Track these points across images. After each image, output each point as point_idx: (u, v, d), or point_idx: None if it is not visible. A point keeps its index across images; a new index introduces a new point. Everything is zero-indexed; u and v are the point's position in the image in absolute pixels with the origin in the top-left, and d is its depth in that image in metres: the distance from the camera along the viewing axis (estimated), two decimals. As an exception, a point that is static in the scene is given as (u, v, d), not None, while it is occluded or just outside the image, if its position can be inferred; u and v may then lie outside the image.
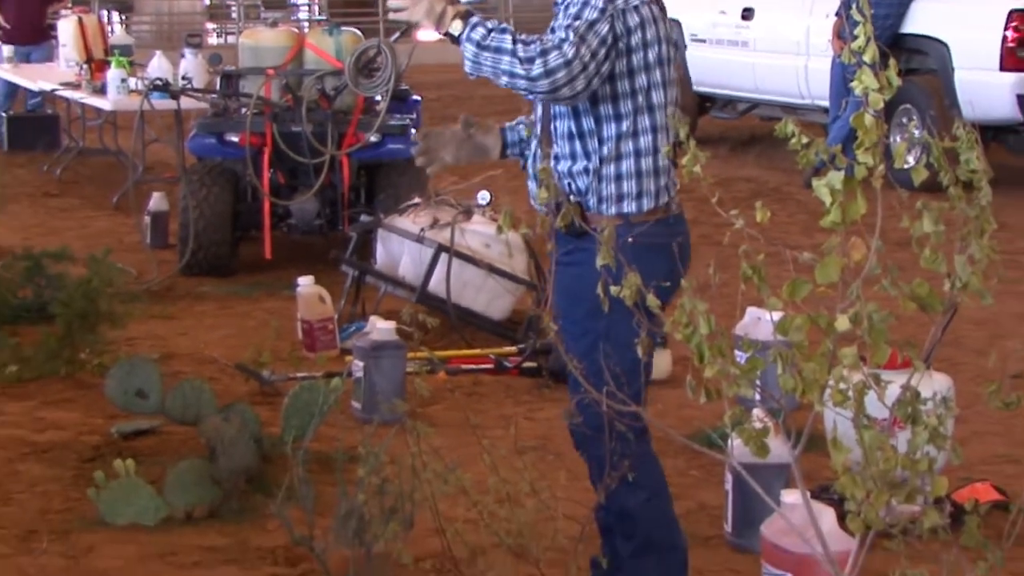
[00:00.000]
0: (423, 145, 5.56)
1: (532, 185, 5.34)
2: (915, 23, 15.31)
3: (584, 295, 4.82)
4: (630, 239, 4.89)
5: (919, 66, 15.17)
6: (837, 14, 15.20)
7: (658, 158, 5.15)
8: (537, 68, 4.93)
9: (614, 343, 4.92)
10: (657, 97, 5.15)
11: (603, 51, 5.00)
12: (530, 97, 5.15)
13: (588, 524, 5.43)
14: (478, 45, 5.02)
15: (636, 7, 5.08)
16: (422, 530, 5.70)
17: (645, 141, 5.16)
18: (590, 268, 4.51)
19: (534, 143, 5.36)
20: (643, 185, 5.16)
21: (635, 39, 5.08)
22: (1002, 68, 14.55)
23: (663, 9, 5.26)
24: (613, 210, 5.15)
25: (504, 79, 5.02)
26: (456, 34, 5.08)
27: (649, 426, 4.65)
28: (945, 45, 15.01)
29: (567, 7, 5.13)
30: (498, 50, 4.98)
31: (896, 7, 15.21)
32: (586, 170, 5.18)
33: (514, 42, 4.96)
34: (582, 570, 5.53)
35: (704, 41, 18.03)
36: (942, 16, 15.18)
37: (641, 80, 5.13)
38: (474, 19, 5.09)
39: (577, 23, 4.99)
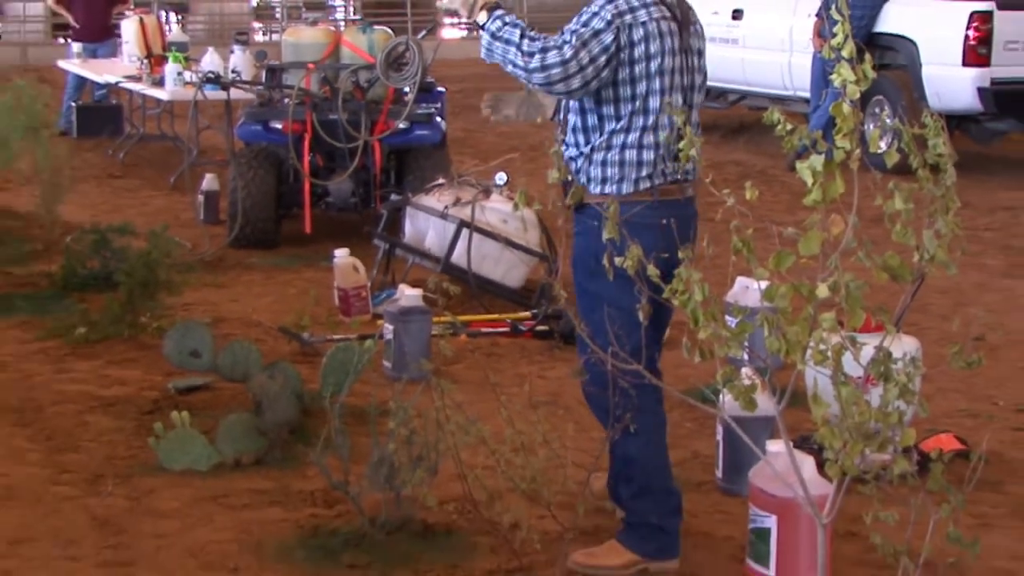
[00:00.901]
0: (492, 102, 5.75)
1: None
2: (887, 23, 15.29)
3: (580, 261, 5.33)
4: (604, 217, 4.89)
5: (891, 62, 15.13)
6: (818, 15, 15.19)
7: (643, 153, 5.25)
8: (535, 63, 5.15)
9: (607, 303, 5.08)
10: (653, 103, 5.24)
11: (604, 58, 5.16)
12: (531, 87, 5.29)
13: (592, 471, 5.43)
14: (493, 35, 5.25)
15: (644, 23, 5.20)
16: (445, 476, 5.70)
17: (634, 138, 5.26)
18: (584, 238, 5.11)
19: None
20: (624, 173, 5.26)
21: (638, 51, 5.20)
22: (964, 64, 14.54)
23: (681, 23, 5.32)
24: (597, 190, 5.28)
25: (509, 67, 5.26)
26: (480, 23, 5.32)
27: (651, 381, 4.63)
28: (914, 43, 14.99)
29: (580, 15, 5.25)
30: (507, 42, 5.21)
31: (870, 8, 15.19)
32: (581, 155, 5.34)
33: (521, 37, 5.19)
34: (589, 512, 5.54)
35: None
36: (911, 17, 15.15)
37: (641, 87, 5.25)
38: (497, 12, 5.29)
39: (583, 30, 5.16)
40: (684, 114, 5.19)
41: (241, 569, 5.40)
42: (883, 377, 3.69)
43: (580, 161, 5.34)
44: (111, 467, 6.45)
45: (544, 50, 5.15)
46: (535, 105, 5.21)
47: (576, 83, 5.15)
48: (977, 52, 14.44)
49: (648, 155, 5.26)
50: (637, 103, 5.25)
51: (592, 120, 5.32)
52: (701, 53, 5.44)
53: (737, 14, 17.36)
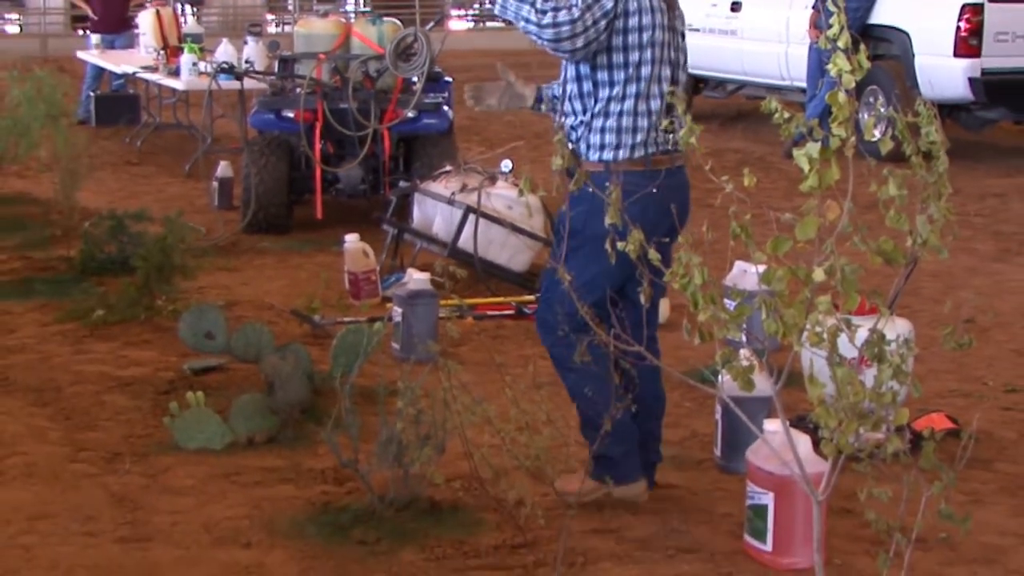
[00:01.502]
0: (474, 92, 6.01)
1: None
2: (881, 15, 15.26)
3: (566, 217, 5.39)
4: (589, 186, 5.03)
5: (885, 52, 15.11)
6: (814, 7, 15.19)
7: (637, 119, 5.50)
8: (547, 19, 5.39)
9: (576, 262, 5.32)
10: (645, 71, 5.50)
11: (604, 22, 5.42)
12: (539, 43, 5.49)
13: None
14: None
15: None
16: (452, 454, 5.70)
17: (628, 105, 5.49)
18: (573, 201, 5.25)
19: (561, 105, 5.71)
20: (621, 139, 5.49)
21: (632, 22, 5.47)
22: (956, 54, 14.52)
23: (670, 5, 5.62)
24: (596, 156, 5.51)
25: (521, 23, 5.50)
26: None
27: (598, 328, 4.78)
28: (907, 34, 14.97)
29: None
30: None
31: (865, 0, 15.16)
32: (581, 123, 5.56)
33: None
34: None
35: (698, 30, 17.94)
36: (905, 9, 15.13)
37: (634, 56, 5.49)
38: None
39: None
40: (674, 89, 5.44)
41: (253, 544, 5.40)
42: (877, 358, 3.68)
43: (581, 129, 5.55)
44: (128, 445, 6.45)
45: (556, 10, 5.39)
46: (516, 95, 5.28)
47: (580, 42, 5.40)
48: (968, 43, 14.42)
49: (643, 122, 5.50)
50: (630, 70, 5.49)
51: (587, 87, 5.54)
52: (684, 36, 5.76)
53: (735, 6, 17.35)
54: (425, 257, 9.43)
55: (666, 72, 5.55)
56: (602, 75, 5.50)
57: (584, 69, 5.53)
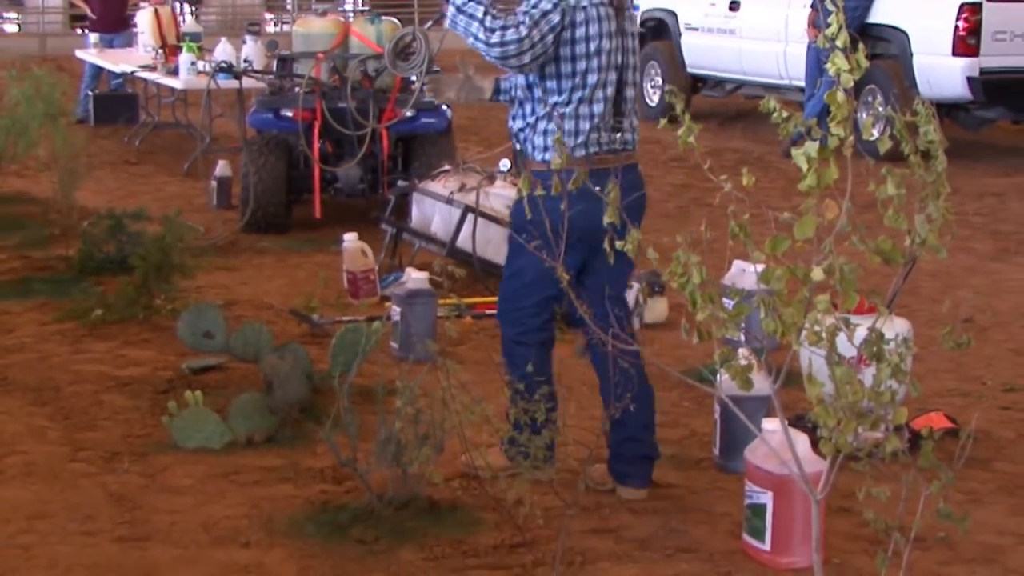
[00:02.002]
0: (432, 85, 6.27)
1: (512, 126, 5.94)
2: (880, 14, 15.26)
3: (515, 213, 5.83)
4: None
5: (883, 51, 15.11)
6: (812, 6, 15.20)
7: (579, 123, 5.68)
8: (495, 38, 5.58)
9: (526, 256, 5.52)
10: (591, 79, 5.66)
11: (551, 36, 5.60)
12: (488, 59, 5.68)
13: (594, 450, 5.43)
14: (458, 8, 5.71)
15: (584, 7, 5.65)
16: (451, 454, 5.70)
17: (571, 109, 5.67)
18: (518, 203, 5.62)
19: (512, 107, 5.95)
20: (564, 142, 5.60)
21: (579, 32, 5.64)
22: (954, 54, 14.53)
23: (617, 8, 5.74)
24: (540, 156, 5.73)
25: (470, 40, 5.70)
26: None
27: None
28: (905, 34, 14.97)
29: None
30: (471, 16, 5.66)
31: (863, 0, 15.17)
32: (527, 125, 5.79)
33: (484, 14, 5.64)
34: (589, 490, 5.54)
35: (697, 29, 17.99)
36: (903, 8, 15.13)
37: (580, 65, 5.66)
38: None
39: (534, 11, 5.60)
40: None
41: (252, 544, 5.40)
42: (876, 357, 3.68)
43: (526, 131, 5.78)
44: (127, 445, 6.45)
45: (504, 28, 5.57)
46: (475, 88, 5.41)
47: (527, 58, 5.60)
48: (966, 42, 14.43)
49: (583, 125, 5.67)
50: (577, 79, 5.65)
51: (537, 93, 5.73)
52: (635, 36, 5.88)
53: (734, 5, 17.35)
54: (424, 256, 9.43)
55: (612, 76, 5.71)
56: (550, 83, 5.69)
57: (533, 78, 5.73)
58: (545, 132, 5.71)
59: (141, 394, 7.14)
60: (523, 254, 5.56)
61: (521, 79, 5.79)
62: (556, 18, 5.58)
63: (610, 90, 5.70)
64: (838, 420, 3.63)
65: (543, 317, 5.88)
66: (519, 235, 5.59)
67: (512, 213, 6.00)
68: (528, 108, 5.78)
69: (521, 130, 5.81)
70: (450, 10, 5.73)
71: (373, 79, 11.23)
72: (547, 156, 5.67)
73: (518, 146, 5.86)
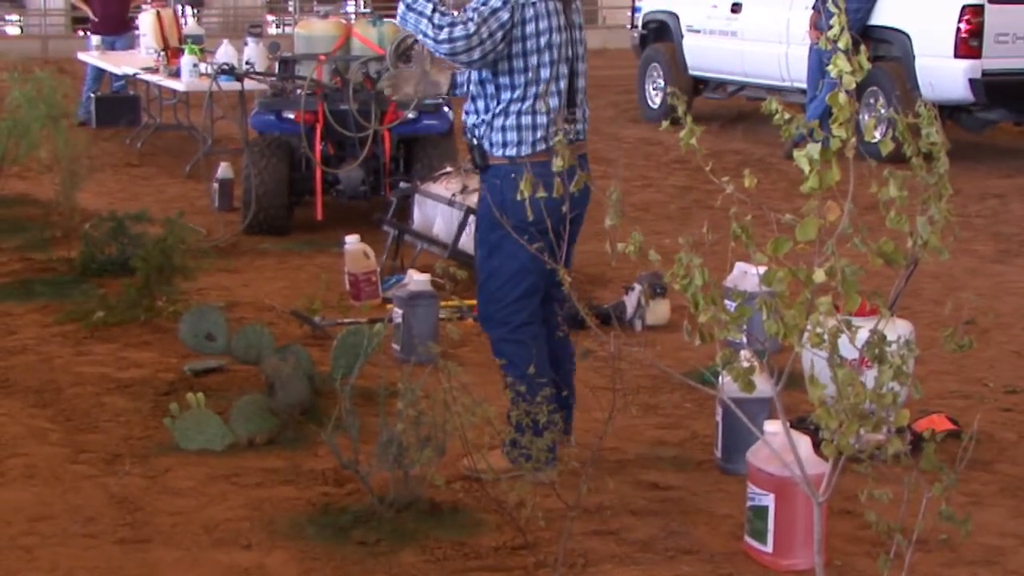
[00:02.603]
0: (389, 80, 6.40)
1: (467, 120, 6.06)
2: (882, 16, 15.26)
3: (483, 215, 5.98)
4: (512, 175, 5.67)
5: (885, 53, 15.11)
6: (814, 8, 15.18)
7: (536, 118, 5.81)
8: (443, 35, 5.71)
9: (502, 254, 5.81)
10: (544, 73, 5.80)
11: (500, 33, 5.73)
12: (438, 56, 5.87)
13: (595, 451, 5.42)
14: (408, 6, 5.81)
15: (533, 3, 5.76)
16: (452, 456, 5.70)
17: (527, 105, 5.81)
18: (487, 195, 5.80)
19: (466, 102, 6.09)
20: (522, 136, 5.83)
21: (529, 28, 5.77)
22: (956, 55, 14.53)
23: (566, 1, 5.89)
24: (500, 152, 5.86)
25: (420, 36, 5.84)
26: None
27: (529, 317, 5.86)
28: (907, 35, 14.97)
29: None
30: (420, 13, 5.77)
31: (866, 2, 15.17)
32: (483, 122, 5.90)
33: (433, 11, 5.75)
34: (591, 491, 5.54)
35: (699, 31, 17.99)
36: (905, 10, 15.13)
37: (532, 60, 5.80)
38: None
39: (483, 8, 5.73)
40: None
41: (254, 545, 5.40)
42: (878, 359, 3.68)
43: (483, 128, 5.90)
44: (128, 447, 6.45)
45: (452, 24, 5.71)
46: (432, 83, 5.49)
47: (476, 55, 5.71)
48: (968, 44, 14.43)
49: (541, 119, 5.80)
50: (529, 74, 5.79)
51: (490, 89, 5.86)
52: (582, 27, 6.01)
53: (736, 7, 17.35)
54: (426, 258, 9.43)
55: (564, 69, 5.85)
56: (503, 80, 5.83)
57: (486, 74, 5.86)
58: (503, 128, 5.83)
59: (142, 396, 7.14)
60: (495, 255, 5.78)
61: (474, 75, 5.92)
62: (505, 15, 5.71)
63: (563, 83, 5.85)
64: (840, 422, 3.63)
65: (528, 310, 5.97)
66: (489, 235, 5.78)
67: (479, 215, 6.10)
68: (481, 104, 5.91)
69: (476, 126, 5.93)
70: (400, 7, 5.83)
71: (375, 81, 11.23)
72: (509, 152, 5.82)
73: (475, 141, 5.94)
